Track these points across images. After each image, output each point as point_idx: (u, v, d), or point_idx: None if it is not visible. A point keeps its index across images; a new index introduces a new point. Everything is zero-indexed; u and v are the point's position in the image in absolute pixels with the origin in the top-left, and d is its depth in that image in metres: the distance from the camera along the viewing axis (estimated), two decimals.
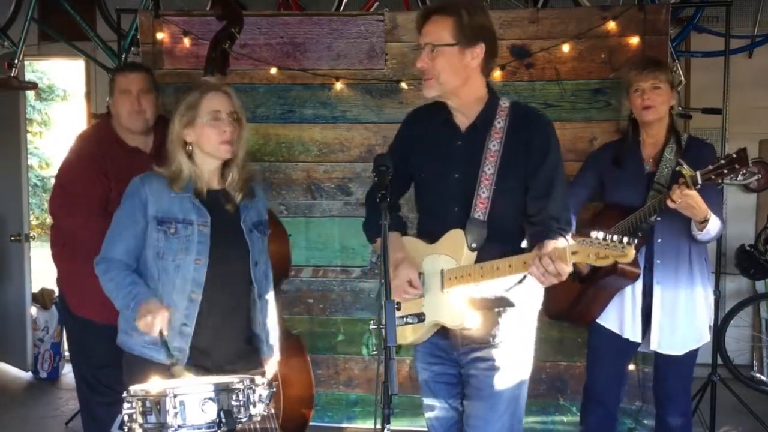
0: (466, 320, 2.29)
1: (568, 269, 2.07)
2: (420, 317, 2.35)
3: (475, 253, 2.29)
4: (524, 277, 2.30)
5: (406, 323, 2.38)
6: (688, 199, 2.76)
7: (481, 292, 2.32)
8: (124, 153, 3.26)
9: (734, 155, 2.70)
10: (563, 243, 2.17)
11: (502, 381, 2.36)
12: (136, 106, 3.22)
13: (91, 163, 3.23)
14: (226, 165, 2.53)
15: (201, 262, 2.45)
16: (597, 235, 1.95)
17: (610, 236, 1.96)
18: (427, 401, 2.56)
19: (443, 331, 2.41)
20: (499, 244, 2.27)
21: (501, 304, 2.34)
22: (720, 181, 2.74)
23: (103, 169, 3.21)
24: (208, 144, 2.46)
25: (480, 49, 2.30)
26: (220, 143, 2.45)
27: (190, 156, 2.48)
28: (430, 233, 2.42)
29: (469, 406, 2.43)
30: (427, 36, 2.30)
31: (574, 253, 2.01)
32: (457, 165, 2.37)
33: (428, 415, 2.57)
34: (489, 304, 2.34)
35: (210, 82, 2.59)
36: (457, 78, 2.31)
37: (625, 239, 1.96)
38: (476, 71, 2.33)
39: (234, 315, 2.55)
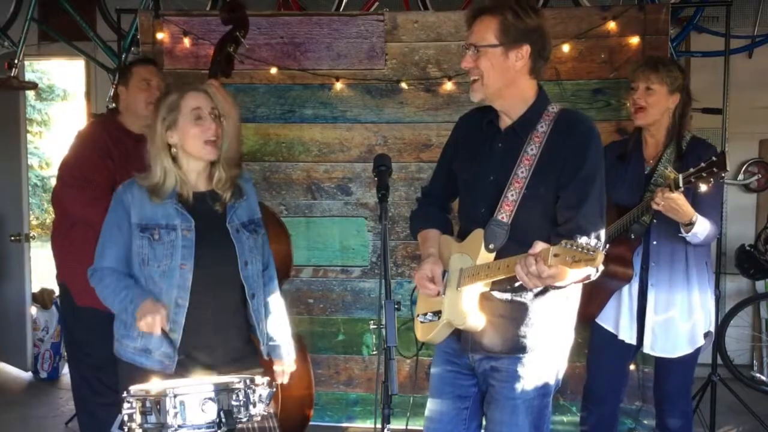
0: (469, 318, 2.26)
1: (548, 272, 1.99)
2: (438, 314, 2.34)
3: (493, 255, 2.23)
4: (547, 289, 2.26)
5: (428, 320, 2.37)
6: (670, 202, 2.75)
7: (494, 297, 2.28)
8: (130, 140, 3.34)
9: (714, 158, 2.68)
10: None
11: (522, 392, 2.30)
12: (156, 96, 3.29)
13: (96, 147, 3.32)
14: (212, 164, 2.51)
15: (186, 266, 2.43)
16: (581, 240, 1.93)
17: (587, 241, 1.92)
18: (429, 402, 2.51)
19: (457, 333, 2.37)
20: (523, 248, 2.10)
21: (517, 313, 2.28)
22: (701, 184, 2.70)
23: (109, 152, 3.29)
24: (192, 144, 2.44)
25: (525, 51, 2.24)
26: (204, 143, 2.43)
27: (174, 159, 2.46)
28: (463, 233, 2.40)
29: (489, 415, 2.38)
30: (471, 36, 2.27)
31: (556, 255, 1.95)
32: (493, 167, 2.32)
33: (426, 415, 2.51)
34: (503, 311, 2.29)
35: (189, 83, 2.59)
36: (501, 79, 2.26)
37: (599, 245, 1.92)
38: (522, 73, 2.27)
39: (225, 317, 2.52)
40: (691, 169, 2.72)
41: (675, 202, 2.76)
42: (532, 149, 2.24)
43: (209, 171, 2.52)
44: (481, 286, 2.26)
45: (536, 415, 2.33)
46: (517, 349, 2.29)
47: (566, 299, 2.32)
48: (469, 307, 2.26)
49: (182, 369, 2.41)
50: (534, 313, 2.28)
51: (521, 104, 2.31)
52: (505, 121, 2.34)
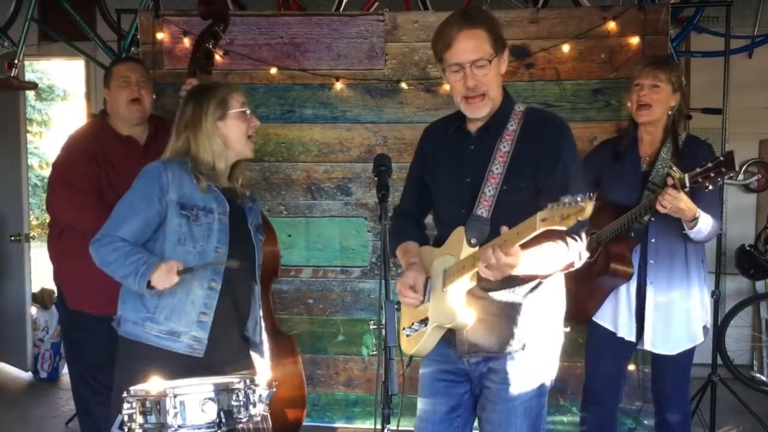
0: (458, 315, 2.24)
1: (504, 259, 2.00)
2: (424, 322, 2.32)
3: (476, 249, 2.23)
4: (538, 283, 2.27)
5: (414, 331, 2.35)
6: (677, 203, 2.75)
7: (487, 296, 2.27)
8: (117, 141, 3.31)
9: (721, 158, 2.69)
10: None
11: (518, 394, 2.30)
12: (136, 94, 3.28)
13: (82, 151, 3.28)
14: (235, 165, 2.59)
15: (221, 251, 2.48)
16: (564, 198, 1.94)
17: (573, 197, 1.90)
18: (419, 403, 2.49)
19: (450, 337, 2.35)
20: None
21: (511, 311, 2.28)
22: (708, 184, 2.71)
23: (95, 156, 3.24)
24: (237, 139, 2.53)
25: (506, 54, 2.32)
26: (248, 137, 2.55)
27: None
28: (442, 240, 2.40)
29: (484, 418, 2.37)
30: (471, 52, 2.25)
31: (543, 220, 1.95)
32: (468, 169, 2.34)
33: (418, 416, 2.50)
34: (496, 310, 2.28)
35: (226, 82, 2.68)
36: (497, 86, 2.33)
37: (582, 196, 1.89)
38: None
39: (237, 312, 2.57)
40: (698, 169, 2.72)
41: (683, 203, 2.76)
42: (504, 147, 2.29)
43: (231, 170, 2.60)
44: (466, 281, 2.24)
45: (534, 417, 2.33)
46: (514, 346, 2.29)
47: (556, 293, 2.34)
48: (456, 304, 2.25)
49: (210, 355, 2.44)
50: (528, 309, 2.28)
51: (495, 106, 2.35)
52: (475, 124, 2.37)
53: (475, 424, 2.47)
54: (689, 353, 3.07)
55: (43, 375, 5.53)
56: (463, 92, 2.28)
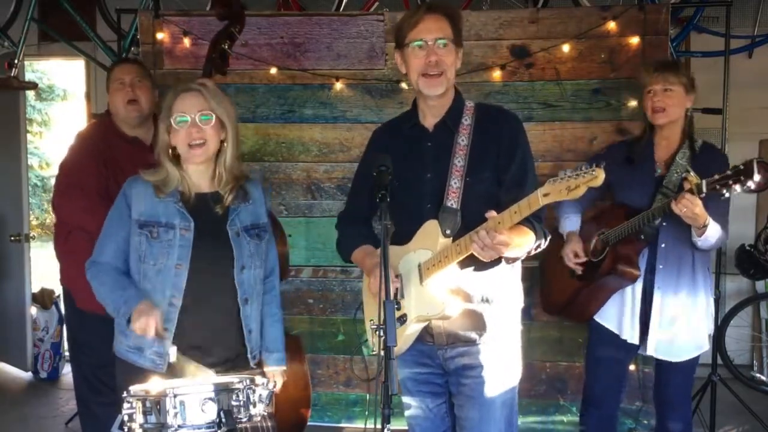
0: (447, 306, 2.28)
1: (499, 238, 2.11)
2: (401, 319, 2.33)
3: (450, 240, 2.29)
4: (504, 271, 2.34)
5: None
6: (693, 207, 2.72)
7: (461, 283, 2.33)
8: (124, 143, 3.32)
9: (741, 167, 2.65)
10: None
11: (495, 387, 2.39)
12: (131, 95, 3.29)
13: (90, 153, 3.29)
14: (215, 165, 2.49)
15: (182, 267, 2.41)
16: (564, 171, 1.95)
17: (579, 167, 1.95)
18: (407, 401, 2.57)
19: (426, 335, 2.41)
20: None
21: (481, 299, 2.38)
22: (725, 191, 2.69)
23: (103, 158, 3.25)
24: (180, 148, 2.43)
25: (461, 52, 2.42)
26: (189, 148, 2.41)
27: (177, 159, 2.45)
28: (404, 237, 2.41)
29: (463, 416, 2.43)
30: (437, 31, 2.35)
31: (545, 195, 2.01)
32: (428, 165, 2.41)
33: (408, 414, 2.59)
34: (470, 298, 2.35)
35: (183, 83, 2.57)
36: (454, 75, 2.41)
37: (587, 165, 1.95)
38: None
39: (220, 320, 2.48)
40: (716, 176, 2.69)
41: (698, 208, 2.73)
42: (462, 140, 2.38)
43: (212, 172, 2.50)
44: (450, 270, 2.29)
45: (509, 409, 2.43)
46: (483, 335, 2.37)
47: (518, 285, 2.47)
48: (442, 296, 2.29)
49: (174, 369, 2.38)
50: (498, 298, 2.38)
51: (446, 103, 2.44)
52: (429, 121, 2.45)
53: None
54: (694, 361, 3.06)
55: (43, 375, 5.53)
56: (422, 68, 2.35)
